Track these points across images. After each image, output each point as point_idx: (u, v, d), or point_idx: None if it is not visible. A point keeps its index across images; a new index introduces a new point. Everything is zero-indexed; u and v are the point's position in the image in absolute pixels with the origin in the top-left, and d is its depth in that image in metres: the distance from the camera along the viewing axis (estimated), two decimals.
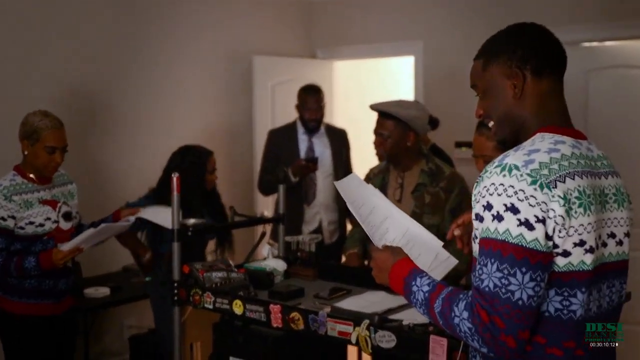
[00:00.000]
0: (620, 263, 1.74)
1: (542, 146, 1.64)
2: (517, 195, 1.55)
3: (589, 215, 1.59)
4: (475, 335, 1.57)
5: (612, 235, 1.70)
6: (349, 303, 2.80)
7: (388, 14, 6.00)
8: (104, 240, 3.50)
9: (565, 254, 1.57)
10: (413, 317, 2.53)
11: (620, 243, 1.72)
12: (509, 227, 1.54)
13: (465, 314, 1.59)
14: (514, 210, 1.54)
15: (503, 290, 1.53)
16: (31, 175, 3.29)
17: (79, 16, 4.74)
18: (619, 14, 4.78)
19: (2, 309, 3.30)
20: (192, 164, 3.96)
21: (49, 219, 3.29)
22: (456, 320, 1.62)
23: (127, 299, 4.44)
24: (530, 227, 1.53)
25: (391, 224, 2.20)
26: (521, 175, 1.56)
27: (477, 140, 2.88)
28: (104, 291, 4.38)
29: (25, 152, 3.26)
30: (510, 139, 1.78)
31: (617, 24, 4.78)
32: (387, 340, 2.42)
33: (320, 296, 2.95)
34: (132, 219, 3.42)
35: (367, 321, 2.49)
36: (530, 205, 1.54)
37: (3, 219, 3.15)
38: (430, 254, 2.16)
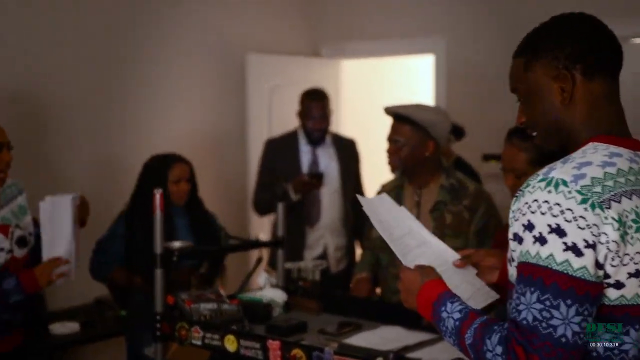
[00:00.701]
0: None
1: (595, 159, 1.61)
2: (564, 215, 1.53)
3: None
4: None
5: None
6: (359, 339, 2.85)
7: (405, 5, 6.05)
8: (67, 233, 3.36)
9: (618, 285, 1.56)
10: (434, 356, 2.58)
11: None
12: (554, 252, 1.53)
13: (499, 349, 1.59)
14: (559, 232, 1.53)
15: (544, 325, 1.53)
16: None
17: (56, 12, 4.83)
18: None
19: None
20: (148, 171, 4.01)
21: (1, 249, 3.23)
22: (489, 355, 1.61)
23: (100, 336, 4.46)
24: (578, 253, 1.52)
25: (425, 252, 2.19)
26: (569, 192, 1.54)
27: (508, 151, 2.90)
28: (72, 327, 4.39)
29: None
30: (558, 151, 1.77)
31: None
32: None
33: (326, 331, 2.99)
34: (75, 194, 3.34)
35: (381, 359, 2.54)
36: (580, 227, 1.52)
37: None
38: (469, 285, 2.14)
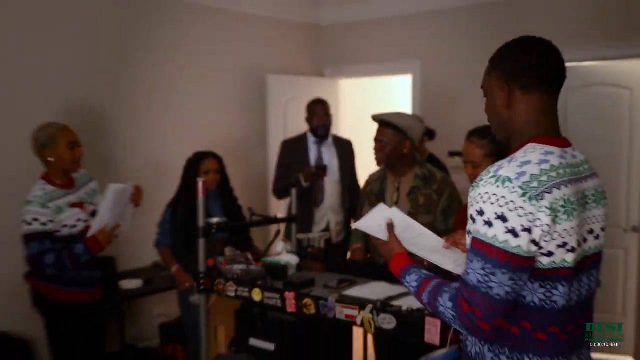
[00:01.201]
0: (598, 255, 1.79)
1: (533, 158, 1.66)
2: (507, 205, 1.58)
3: (571, 220, 1.63)
4: (457, 321, 1.68)
5: (591, 232, 1.74)
6: (355, 291, 2.91)
7: (388, 36, 6.06)
8: (124, 210, 3.48)
9: (549, 254, 1.62)
10: (411, 303, 2.64)
11: (597, 237, 1.76)
12: (497, 234, 1.60)
13: (450, 304, 1.69)
14: (503, 219, 1.59)
15: (484, 286, 1.61)
16: (58, 182, 3.36)
17: (114, 40, 4.86)
18: (594, 38, 4.86)
19: (45, 296, 3.38)
20: (187, 168, 4.02)
21: (79, 219, 3.37)
22: (441, 309, 1.73)
23: (157, 291, 4.54)
24: (515, 235, 1.58)
25: (420, 242, 2.17)
26: (513, 188, 1.59)
27: (467, 147, 2.95)
28: (137, 283, 4.48)
29: (50, 159, 3.32)
30: (505, 143, 1.82)
31: (593, 47, 4.86)
32: (388, 322, 2.55)
33: (329, 286, 3.05)
34: (129, 186, 3.46)
35: (370, 306, 2.62)
36: (519, 215, 1.58)
37: (44, 224, 3.22)
38: (454, 258, 2.14)
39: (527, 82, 1.74)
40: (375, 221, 2.17)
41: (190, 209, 3.79)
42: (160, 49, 5.15)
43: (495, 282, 1.60)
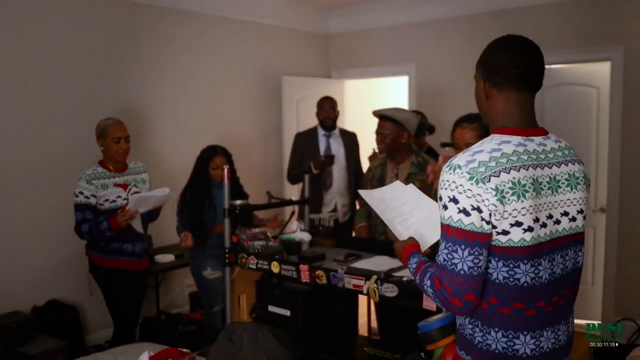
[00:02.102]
0: (575, 235, 1.68)
1: (487, 147, 1.59)
2: (457, 189, 1.54)
3: (522, 201, 1.54)
4: (436, 298, 1.63)
5: (566, 214, 1.64)
6: (361, 264, 2.86)
7: (387, 43, 6.00)
8: (151, 209, 3.52)
9: (505, 232, 1.55)
10: (410, 275, 2.60)
11: (573, 219, 1.66)
12: (452, 214, 1.55)
13: (429, 282, 1.64)
14: (455, 201, 1.55)
15: (449, 264, 1.56)
16: (109, 166, 3.46)
17: (153, 49, 4.82)
18: (566, 44, 4.81)
19: (95, 264, 3.48)
20: (198, 159, 3.97)
21: (119, 196, 3.43)
22: (425, 287, 1.67)
23: (187, 264, 4.48)
24: (467, 214, 1.53)
25: (415, 214, 2.15)
26: (462, 173, 1.55)
27: (460, 133, 2.85)
28: (170, 258, 4.47)
29: (102, 148, 3.45)
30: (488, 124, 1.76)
31: (566, 51, 4.81)
32: (390, 290, 2.50)
33: (337, 259, 3.02)
34: (167, 190, 3.44)
35: (375, 276, 2.57)
36: (467, 197, 1.53)
37: (87, 197, 3.34)
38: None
39: (499, 81, 1.67)
40: (381, 193, 2.13)
41: (198, 194, 3.77)
42: (191, 57, 5.12)
43: (457, 258, 1.55)
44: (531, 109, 1.71)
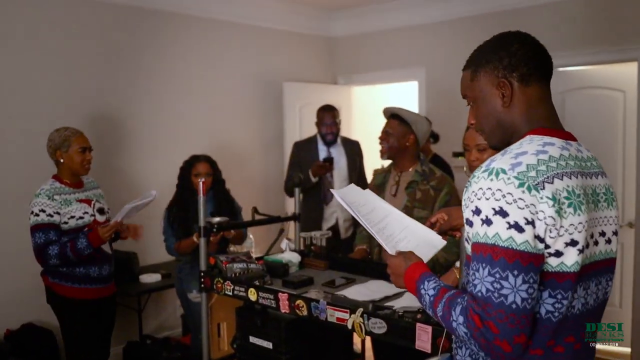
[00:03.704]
0: (609, 261, 1.40)
1: (530, 148, 1.31)
2: (505, 198, 1.23)
3: (579, 214, 1.26)
4: (471, 340, 1.26)
5: (603, 234, 1.37)
6: (352, 291, 2.53)
7: (396, 46, 5.68)
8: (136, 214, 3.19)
9: (558, 254, 1.25)
10: (407, 303, 2.24)
11: (609, 241, 1.39)
12: (499, 231, 1.22)
13: (461, 319, 1.28)
14: (502, 213, 1.22)
15: (496, 295, 1.21)
16: (66, 181, 3.10)
17: (131, 54, 4.52)
18: (589, 44, 4.48)
19: (56, 292, 3.08)
20: (181, 169, 3.68)
21: (86, 212, 3.09)
22: (454, 324, 1.30)
23: (173, 285, 4.17)
24: (519, 230, 1.21)
25: (390, 221, 1.86)
26: (508, 179, 1.24)
27: (470, 134, 2.50)
28: (156, 277, 4.16)
29: (61, 160, 3.06)
30: (503, 146, 1.43)
31: (588, 52, 4.48)
32: (378, 326, 2.13)
33: (327, 284, 2.67)
34: (154, 192, 3.12)
35: (361, 310, 2.20)
36: (519, 207, 1.22)
37: (50, 215, 2.96)
38: (423, 239, 1.82)
39: (526, 72, 1.38)
40: (350, 194, 1.88)
41: (183, 208, 3.44)
42: (184, 62, 4.81)
43: (507, 288, 1.20)
44: (554, 108, 1.46)
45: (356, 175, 4.56)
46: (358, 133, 5.86)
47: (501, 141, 1.44)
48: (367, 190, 2.00)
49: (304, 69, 5.81)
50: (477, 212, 1.26)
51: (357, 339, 3.14)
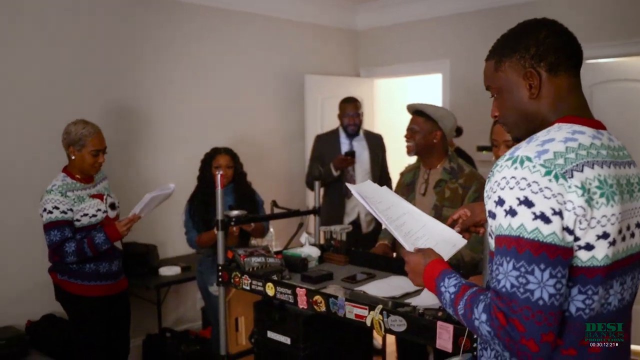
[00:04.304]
0: None
1: (558, 136, 1.24)
2: (530, 187, 1.16)
3: (612, 205, 1.19)
4: (495, 339, 1.19)
5: (638, 225, 1.28)
6: (371, 286, 2.46)
7: (419, 38, 5.61)
8: (154, 208, 3.16)
9: (588, 247, 1.18)
10: (427, 302, 2.17)
11: None
12: (524, 222, 1.15)
13: (484, 317, 1.21)
14: (528, 203, 1.15)
15: (521, 290, 1.14)
16: (77, 176, 3.04)
17: (151, 46, 4.50)
18: (616, 36, 4.37)
19: (67, 291, 3.04)
20: (202, 162, 3.66)
21: (99, 210, 3.04)
22: (476, 323, 1.23)
23: (193, 277, 4.09)
24: (546, 221, 1.14)
25: (409, 219, 1.81)
26: (534, 167, 1.17)
27: (498, 128, 2.44)
28: (176, 270, 4.13)
29: (73, 157, 3.00)
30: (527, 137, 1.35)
31: (615, 44, 4.38)
32: (398, 324, 2.07)
33: (347, 279, 2.61)
34: (172, 186, 3.07)
35: (380, 306, 2.13)
36: (546, 197, 1.15)
37: (64, 212, 2.91)
38: (442, 238, 1.76)
39: (555, 62, 1.30)
40: (367, 189, 1.84)
41: (204, 201, 3.41)
42: (204, 54, 4.78)
43: (534, 283, 1.13)
44: (584, 97, 1.38)
45: (378, 169, 4.49)
46: (381, 126, 5.79)
47: (526, 134, 1.36)
48: (385, 188, 1.95)
49: (325, 62, 5.75)
50: (501, 202, 1.19)
51: (377, 335, 3.09)
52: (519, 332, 1.14)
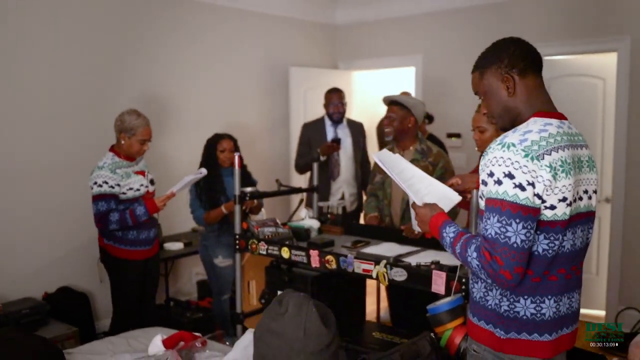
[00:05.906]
0: (590, 213, 1.80)
1: (534, 128, 1.69)
2: (513, 165, 1.61)
3: (568, 178, 1.65)
4: (482, 270, 1.68)
5: (585, 192, 1.76)
6: (369, 250, 2.91)
7: (394, 33, 6.00)
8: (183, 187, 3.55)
9: (552, 207, 1.64)
10: (418, 260, 2.63)
11: (590, 198, 1.78)
12: (507, 189, 1.61)
13: (475, 254, 1.69)
14: (510, 176, 1.61)
15: (502, 237, 1.62)
16: (123, 156, 3.44)
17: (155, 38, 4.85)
18: (573, 35, 4.81)
19: (109, 253, 3.47)
20: (206, 146, 4.03)
21: (142, 184, 3.47)
22: (469, 258, 1.72)
23: (196, 252, 4.50)
24: (522, 189, 1.60)
25: (416, 180, 2.20)
26: (517, 151, 1.62)
27: (476, 116, 2.87)
28: (179, 246, 4.50)
29: (122, 142, 3.41)
30: (510, 127, 1.81)
31: (571, 42, 4.82)
32: (400, 275, 2.53)
33: (346, 246, 3.05)
34: (204, 170, 3.48)
35: (384, 261, 2.60)
36: (523, 172, 1.61)
37: (112, 187, 3.32)
38: (443, 195, 2.14)
39: (523, 67, 1.79)
40: (385, 156, 2.23)
41: (210, 181, 3.79)
42: (198, 48, 5.14)
43: (511, 231, 1.61)
44: (548, 94, 1.84)
45: (360, 153, 4.92)
46: (358, 115, 6.15)
47: (509, 123, 1.84)
48: (397, 155, 2.34)
49: (308, 55, 6.14)
50: (491, 174, 1.66)
51: (370, 295, 3.55)
52: (499, 265, 1.63)
